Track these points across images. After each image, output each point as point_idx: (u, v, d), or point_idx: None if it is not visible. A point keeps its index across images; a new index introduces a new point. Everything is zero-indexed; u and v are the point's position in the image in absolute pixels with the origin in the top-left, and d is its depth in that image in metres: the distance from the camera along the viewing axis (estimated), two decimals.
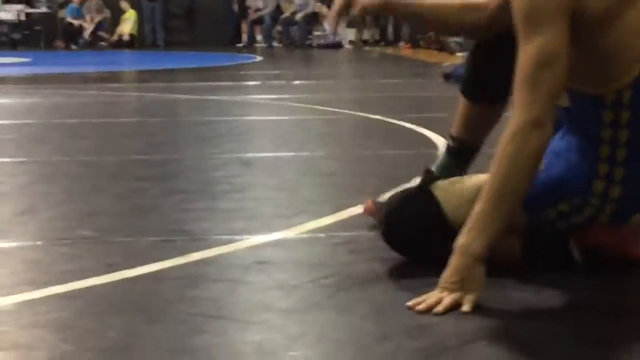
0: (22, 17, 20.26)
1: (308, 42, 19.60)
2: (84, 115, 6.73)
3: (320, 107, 6.80)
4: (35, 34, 20.12)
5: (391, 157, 4.51)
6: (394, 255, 2.49)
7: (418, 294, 2.15)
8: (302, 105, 7.07)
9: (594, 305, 2.19)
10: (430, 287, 2.16)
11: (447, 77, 8.64)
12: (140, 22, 20.15)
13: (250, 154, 4.67)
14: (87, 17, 19.98)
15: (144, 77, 11.57)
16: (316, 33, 19.71)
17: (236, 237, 2.83)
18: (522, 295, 2.22)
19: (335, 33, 18.22)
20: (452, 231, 2.28)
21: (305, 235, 2.88)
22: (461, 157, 2.81)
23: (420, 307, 2.09)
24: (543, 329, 1.99)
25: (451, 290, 2.11)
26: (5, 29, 20.17)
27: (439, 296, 2.11)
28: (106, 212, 3.27)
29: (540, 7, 2.13)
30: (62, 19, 20.16)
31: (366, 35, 20.31)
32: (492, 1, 2.54)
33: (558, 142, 2.33)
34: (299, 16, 19.81)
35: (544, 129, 2.13)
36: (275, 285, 2.33)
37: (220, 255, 2.64)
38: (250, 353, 1.88)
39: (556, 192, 2.33)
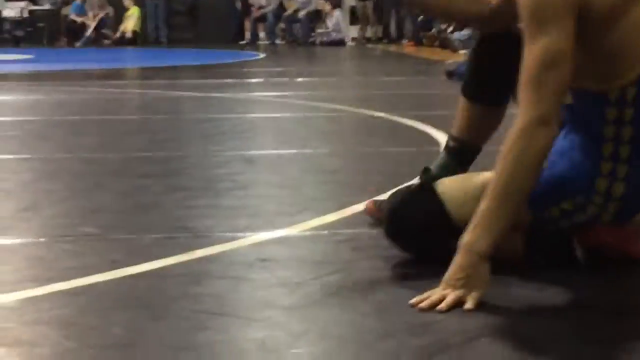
0: (25, 14, 20.27)
1: (311, 39, 19.59)
2: (86, 112, 6.73)
3: (323, 105, 6.80)
4: (38, 31, 20.12)
5: (394, 154, 4.51)
6: (396, 252, 2.49)
7: (421, 291, 2.15)
8: (305, 102, 7.07)
9: (597, 303, 2.19)
10: (433, 284, 2.15)
11: (450, 74, 8.64)
12: (143, 19, 20.15)
13: (253, 152, 4.67)
14: (90, 14, 19.99)
15: (147, 74, 11.58)
16: (319, 30, 19.70)
17: (239, 234, 2.83)
18: (525, 293, 2.22)
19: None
20: (455, 228, 2.28)
21: (308, 233, 2.88)
22: (461, 158, 2.80)
23: (423, 304, 2.09)
24: (546, 326, 1.99)
25: (455, 287, 2.11)
26: (8, 26, 20.18)
27: (442, 293, 2.11)
28: (109, 209, 3.27)
29: (547, 4, 2.13)
30: (66, 16, 20.17)
31: (369, 32, 20.30)
32: None
33: (561, 141, 2.33)
34: (301, 13, 19.81)
35: (550, 127, 2.13)
36: (278, 282, 2.33)
37: (223, 253, 2.64)
38: (253, 350, 1.88)
39: (559, 191, 2.33)
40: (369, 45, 19.10)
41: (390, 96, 7.85)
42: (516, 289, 2.25)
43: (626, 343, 1.91)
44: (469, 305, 2.08)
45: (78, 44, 19.42)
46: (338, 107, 6.67)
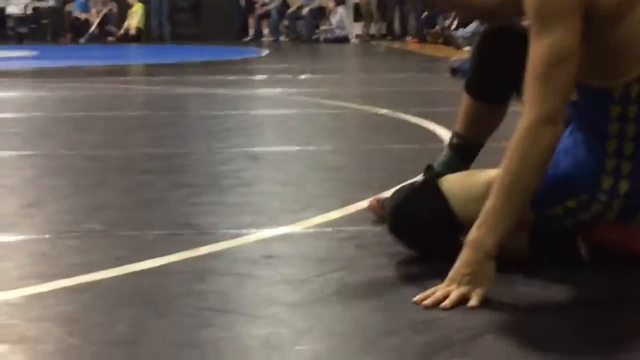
0: (29, 11, 20.28)
1: (315, 36, 19.58)
2: (90, 108, 6.74)
3: (327, 102, 6.80)
4: (42, 28, 20.14)
5: (398, 151, 4.51)
6: (400, 250, 2.49)
7: (424, 288, 2.14)
8: (309, 99, 7.06)
9: (601, 301, 2.19)
10: (437, 281, 2.15)
11: (454, 71, 8.63)
12: (147, 15, 20.15)
13: (257, 148, 4.67)
14: (93, 11, 20.00)
15: (151, 70, 11.58)
16: (323, 27, 19.69)
17: (243, 231, 2.83)
18: (529, 291, 2.22)
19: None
20: (459, 225, 2.27)
21: (312, 230, 2.88)
22: (464, 154, 2.80)
23: (427, 302, 2.09)
24: (550, 324, 1.99)
25: (461, 283, 2.10)
26: (12, 23, 20.20)
27: (446, 290, 2.10)
28: (113, 205, 3.27)
29: (553, 1, 2.12)
30: (69, 12, 20.18)
31: (373, 29, 20.28)
32: None
33: (566, 139, 2.32)
34: (305, 10, 19.80)
35: (555, 125, 2.13)
36: (282, 279, 2.33)
37: (228, 249, 2.64)
38: (257, 347, 1.88)
39: (564, 189, 2.32)
40: (373, 42, 19.09)
41: (394, 93, 7.85)
42: (520, 286, 2.25)
43: (630, 340, 1.91)
44: (473, 302, 2.08)
45: (82, 41, 19.43)
46: (342, 104, 6.67)
